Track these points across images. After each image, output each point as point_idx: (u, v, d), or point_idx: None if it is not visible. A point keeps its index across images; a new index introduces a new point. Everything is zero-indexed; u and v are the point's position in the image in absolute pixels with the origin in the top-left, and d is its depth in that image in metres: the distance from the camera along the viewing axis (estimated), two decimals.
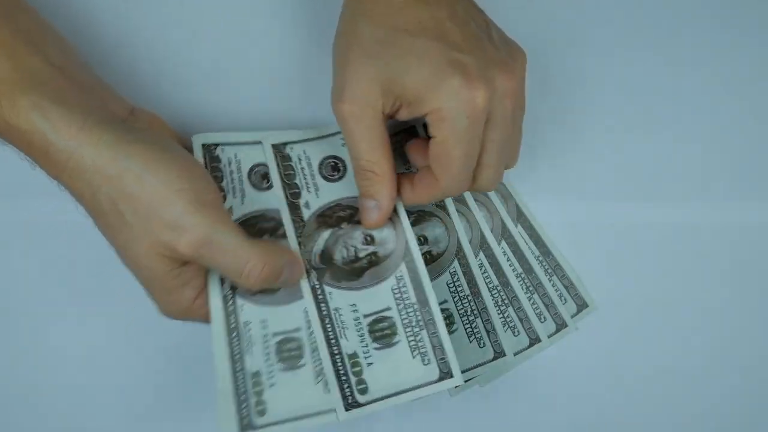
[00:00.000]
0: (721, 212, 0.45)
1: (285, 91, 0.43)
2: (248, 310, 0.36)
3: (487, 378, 0.42)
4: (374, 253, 0.38)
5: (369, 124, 0.34)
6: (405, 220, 0.39)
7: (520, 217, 0.44)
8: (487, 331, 0.42)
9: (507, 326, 0.43)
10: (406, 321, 0.37)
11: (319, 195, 0.39)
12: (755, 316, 0.44)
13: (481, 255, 0.43)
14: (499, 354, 0.42)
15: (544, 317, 0.43)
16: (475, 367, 0.42)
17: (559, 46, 0.45)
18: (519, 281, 0.43)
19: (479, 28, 0.35)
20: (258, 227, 0.37)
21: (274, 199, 0.38)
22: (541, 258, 0.44)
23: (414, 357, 0.36)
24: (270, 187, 0.39)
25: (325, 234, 0.39)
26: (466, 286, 0.42)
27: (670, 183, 0.44)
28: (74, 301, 0.42)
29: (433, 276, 0.40)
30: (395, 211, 0.39)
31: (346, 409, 0.35)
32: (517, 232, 0.44)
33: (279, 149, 0.40)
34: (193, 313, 0.35)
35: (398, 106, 0.34)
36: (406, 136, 0.42)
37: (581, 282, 0.44)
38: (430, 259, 0.41)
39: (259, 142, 0.39)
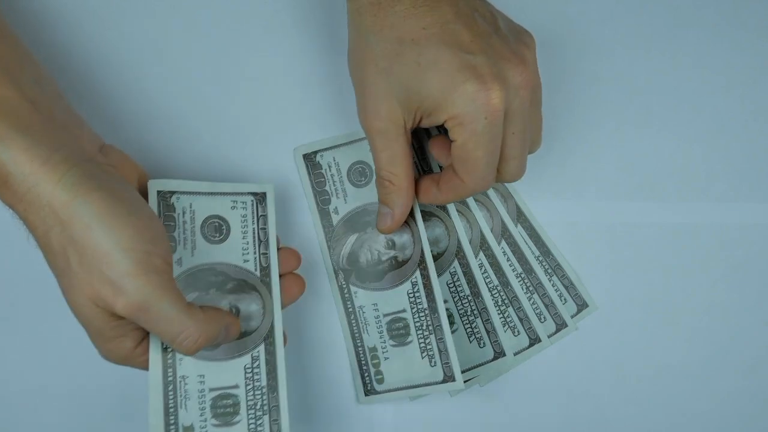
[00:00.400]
0: (721, 212, 0.45)
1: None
2: (187, 364, 0.35)
3: (487, 378, 0.42)
4: (395, 257, 0.41)
5: (391, 138, 0.35)
6: (422, 229, 0.41)
7: (520, 217, 0.44)
8: (487, 331, 0.42)
9: (507, 326, 0.43)
10: (418, 324, 0.40)
11: (347, 200, 0.41)
12: (755, 316, 0.44)
13: (482, 255, 0.43)
14: (499, 354, 0.42)
15: (544, 317, 0.43)
16: (475, 367, 0.42)
17: (559, 45, 0.45)
18: (519, 281, 0.43)
19: (486, 22, 0.35)
20: (205, 281, 0.37)
21: (226, 253, 0.38)
22: (541, 258, 0.44)
23: (423, 357, 0.39)
24: (222, 240, 0.38)
25: (352, 238, 0.41)
26: (466, 286, 0.42)
27: (670, 183, 0.45)
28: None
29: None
30: (413, 219, 0.41)
31: (366, 395, 0.40)
32: (517, 232, 0.44)
33: (309, 158, 0.42)
34: (133, 361, 0.34)
35: (419, 117, 0.35)
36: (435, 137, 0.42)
37: (581, 282, 0.44)
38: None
39: (216, 193, 0.38)
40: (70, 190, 0.30)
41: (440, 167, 0.42)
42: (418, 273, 0.40)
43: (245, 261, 0.38)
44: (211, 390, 0.36)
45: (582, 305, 0.44)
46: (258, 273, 0.38)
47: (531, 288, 0.43)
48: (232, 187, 0.38)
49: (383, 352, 0.40)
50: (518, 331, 0.43)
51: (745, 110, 0.45)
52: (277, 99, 0.43)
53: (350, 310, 0.41)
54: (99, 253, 0.30)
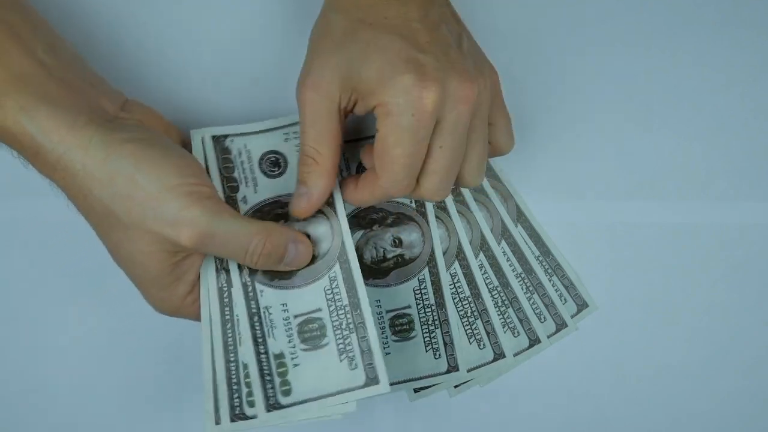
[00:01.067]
0: (721, 212, 0.44)
1: (284, 90, 0.43)
2: (268, 295, 0.36)
3: (487, 378, 0.42)
4: (401, 255, 0.41)
5: (323, 113, 0.34)
6: (434, 228, 0.41)
7: (520, 217, 0.44)
8: (487, 333, 0.42)
9: (507, 327, 0.43)
10: (423, 319, 0.40)
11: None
12: (755, 316, 0.44)
13: (482, 255, 0.43)
14: (499, 355, 0.42)
15: (544, 317, 0.43)
16: (475, 368, 0.42)
17: (559, 45, 0.45)
18: (519, 281, 0.43)
19: (450, 35, 0.34)
20: (273, 213, 0.38)
21: (287, 184, 0.39)
22: (541, 258, 0.44)
23: (427, 351, 0.40)
24: (281, 173, 0.39)
25: (357, 234, 0.41)
26: (466, 288, 0.42)
27: (670, 183, 0.44)
28: (73, 299, 0.42)
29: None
30: (425, 218, 0.41)
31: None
32: (517, 232, 0.44)
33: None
34: (184, 311, 0.35)
35: (354, 99, 0.34)
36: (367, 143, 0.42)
37: (581, 282, 0.44)
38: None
39: (268, 130, 0.40)
40: (102, 149, 0.31)
41: None
42: (426, 270, 0.41)
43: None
44: (296, 316, 0.36)
45: (582, 305, 0.44)
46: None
47: (531, 288, 0.43)
48: (280, 121, 0.39)
49: (385, 348, 0.40)
50: (518, 332, 0.43)
51: (745, 109, 0.45)
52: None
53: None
54: (149, 198, 0.31)
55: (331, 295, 0.37)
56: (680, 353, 0.43)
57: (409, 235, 0.41)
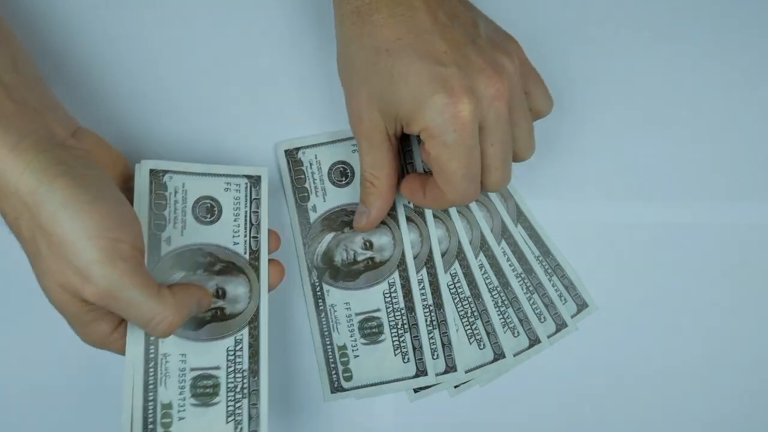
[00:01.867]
0: (721, 213, 0.44)
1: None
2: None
3: (487, 378, 0.43)
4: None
5: (375, 142, 0.36)
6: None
7: (520, 217, 0.44)
8: (487, 333, 0.42)
9: (507, 327, 0.43)
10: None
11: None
12: (755, 316, 0.44)
13: (482, 255, 0.43)
14: (499, 355, 0.42)
15: (544, 317, 0.43)
16: (475, 369, 0.42)
17: (559, 45, 0.45)
18: (519, 281, 0.43)
19: (465, 30, 0.35)
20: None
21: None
22: (541, 258, 0.44)
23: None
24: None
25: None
26: (466, 288, 0.42)
27: (670, 183, 0.44)
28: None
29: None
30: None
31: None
32: (517, 232, 0.44)
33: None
34: (111, 345, 0.35)
35: (401, 125, 0.35)
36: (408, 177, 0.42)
37: (581, 282, 0.44)
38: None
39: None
40: (35, 177, 0.30)
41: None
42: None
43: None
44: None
45: (582, 305, 0.44)
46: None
47: (531, 288, 0.43)
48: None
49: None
50: (518, 332, 0.43)
51: (745, 109, 0.45)
52: (266, 92, 0.43)
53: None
54: (65, 242, 0.30)
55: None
56: (680, 353, 0.43)
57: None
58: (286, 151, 0.42)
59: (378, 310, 0.41)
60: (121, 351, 0.35)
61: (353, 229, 0.41)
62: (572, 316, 0.43)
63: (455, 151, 0.33)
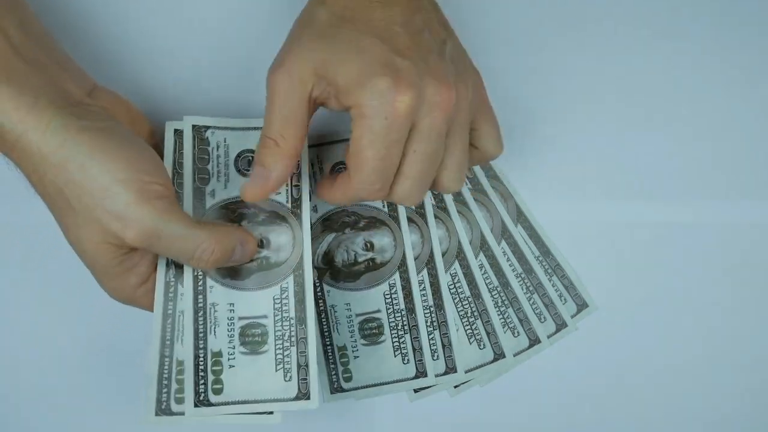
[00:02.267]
0: (721, 212, 0.44)
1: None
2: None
3: (487, 378, 0.43)
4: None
5: (292, 98, 0.33)
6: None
7: (520, 217, 0.44)
8: (487, 333, 0.42)
9: (507, 327, 0.43)
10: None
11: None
12: (756, 316, 0.44)
13: (482, 256, 0.43)
14: (499, 355, 0.42)
15: (544, 317, 0.43)
16: (475, 369, 0.42)
17: (558, 44, 0.45)
18: (519, 281, 0.43)
19: (433, 41, 0.34)
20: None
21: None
22: (541, 258, 0.44)
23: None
24: None
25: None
26: (466, 288, 0.42)
27: (670, 182, 0.44)
28: (72, 299, 0.42)
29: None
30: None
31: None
32: (517, 232, 0.44)
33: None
34: (137, 300, 0.36)
35: (327, 93, 0.34)
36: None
37: (581, 282, 0.44)
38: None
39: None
40: (58, 135, 0.31)
41: None
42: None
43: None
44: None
45: (582, 305, 0.44)
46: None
47: (531, 288, 0.43)
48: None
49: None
50: (518, 332, 0.43)
51: (745, 109, 0.45)
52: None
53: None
54: (98, 190, 0.31)
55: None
56: (680, 353, 0.43)
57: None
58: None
59: (378, 311, 0.41)
60: (147, 307, 0.36)
61: (354, 230, 0.41)
62: (572, 316, 0.43)
63: (377, 139, 0.32)
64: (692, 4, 0.46)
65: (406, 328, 0.41)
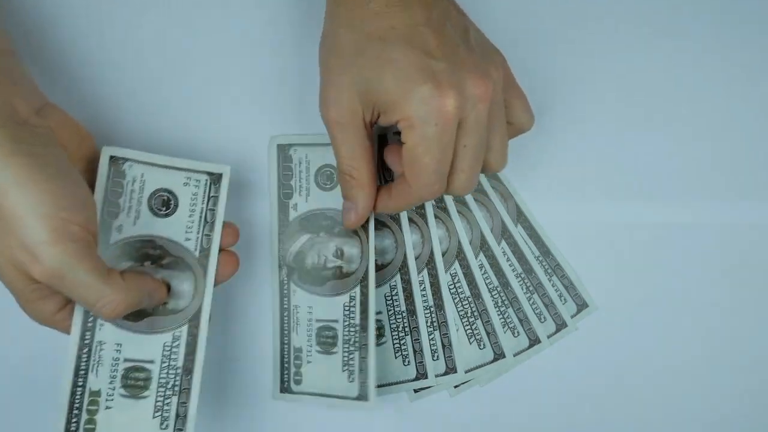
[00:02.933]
0: (721, 212, 0.44)
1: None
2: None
3: (487, 378, 0.43)
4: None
5: (350, 130, 0.35)
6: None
7: (520, 217, 0.44)
8: (487, 333, 0.42)
9: (507, 327, 0.43)
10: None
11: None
12: (755, 316, 0.44)
13: (482, 256, 0.43)
14: (499, 355, 0.42)
15: (544, 317, 0.43)
16: (475, 369, 0.42)
17: (558, 42, 0.45)
18: (519, 281, 0.43)
19: (456, 32, 0.35)
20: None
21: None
22: (541, 258, 0.44)
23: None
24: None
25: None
26: (466, 288, 0.42)
27: (670, 183, 0.44)
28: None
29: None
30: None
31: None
32: (517, 232, 0.44)
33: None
34: (57, 324, 0.35)
35: (377, 112, 0.34)
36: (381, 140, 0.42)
37: (581, 282, 0.44)
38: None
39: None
40: None
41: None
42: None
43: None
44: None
45: (582, 305, 0.44)
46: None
47: (531, 288, 0.43)
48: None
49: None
50: (518, 332, 0.43)
51: (745, 109, 0.45)
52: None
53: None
54: (16, 219, 0.30)
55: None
56: (680, 353, 0.43)
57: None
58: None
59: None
60: (66, 330, 0.35)
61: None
62: (572, 316, 0.43)
63: (432, 145, 0.33)
64: (693, 3, 0.46)
65: (407, 329, 0.41)
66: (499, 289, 0.43)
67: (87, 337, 0.35)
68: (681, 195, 0.44)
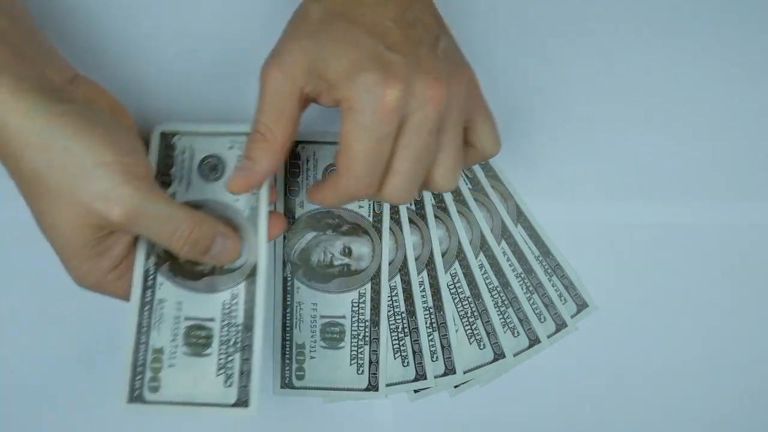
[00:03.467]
0: (721, 212, 0.44)
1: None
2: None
3: (487, 378, 0.43)
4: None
5: (283, 93, 0.34)
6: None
7: (520, 217, 0.44)
8: (487, 333, 0.42)
9: (507, 327, 0.43)
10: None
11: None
12: (755, 316, 0.44)
13: (482, 255, 0.43)
14: (499, 356, 0.42)
15: (544, 317, 0.43)
16: (475, 369, 0.42)
17: (558, 42, 0.45)
18: (519, 281, 0.43)
19: (425, 36, 0.34)
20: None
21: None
22: (541, 258, 0.44)
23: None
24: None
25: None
26: (466, 288, 0.42)
27: (669, 183, 0.44)
28: (72, 300, 0.42)
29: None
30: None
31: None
32: (517, 232, 0.44)
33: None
34: (106, 287, 0.35)
35: (319, 89, 0.34)
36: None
37: (581, 282, 0.44)
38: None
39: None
40: (41, 116, 0.31)
41: None
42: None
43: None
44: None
45: (582, 305, 0.44)
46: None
47: (531, 288, 0.43)
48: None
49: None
50: (518, 332, 0.43)
51: (745, 109, 0.45)
52: None
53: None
54: (82, 171, 0.32)
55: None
56: (680, 353, 0.43)
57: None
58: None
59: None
60: (115, 293, 0.36)
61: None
62: (572, 316, 0.43)
63: (366, 133, 0.32)
64: (693, 3, 0.46)
65: (406, 330, 0.41)
66: (499, 289, 0.43)
67: (148, 295, 0.37)
68: (681, 195, 0.44)
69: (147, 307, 0.37)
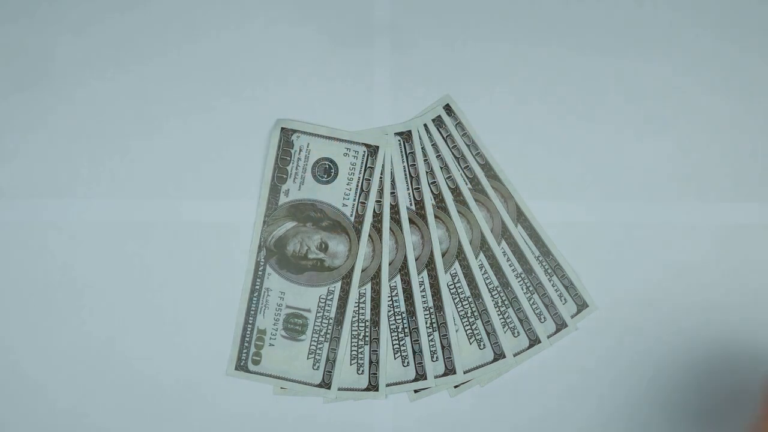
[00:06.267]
0: (720, 212, 0.44)
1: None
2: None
3: (487, 378, 0.43)
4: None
5: None
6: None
7: (520, 217, 0.44)
8: (488, 333, 0.42)
9: (507, 327, 0.43)
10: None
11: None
12: (755, 316, 0.44)
13: (482, 255, 0.43)
14: (499, 356, 0.42)
15: (544, 317, 0.43)
16: (475, 369, 0.42)
17: (558, 44, 0.45)
18: (519, 281, 0.43)
19: None
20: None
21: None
22: (541, 258, 0.44)
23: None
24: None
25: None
26: (466, 288, 0.42)
27: (669, 183, 0.44)
28: (72, 300, 0.42)
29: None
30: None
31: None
32: (517, 232, 0.44)
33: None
34: None
35: None
36: None
37: (581, 282, 0.44)
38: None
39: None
40: None
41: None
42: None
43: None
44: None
45: (582, 305, 0.44)
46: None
47: (531, 288, 0.43)
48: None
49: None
50: (518, 332, 0.43)
51: (745, 109, 0.45)
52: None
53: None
54: None
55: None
56: (680, 353, 0.43)
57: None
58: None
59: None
60: None
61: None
62: (572, 316, 0.43)
63: None
64: (693, 4, 0.46)
65: (406, 330, 0.41)
66: (499, 289, 0.43)
67: (257, 283, 0.42)
68: (681, 195, 0.44)
69: (255, 294, 0.42)
